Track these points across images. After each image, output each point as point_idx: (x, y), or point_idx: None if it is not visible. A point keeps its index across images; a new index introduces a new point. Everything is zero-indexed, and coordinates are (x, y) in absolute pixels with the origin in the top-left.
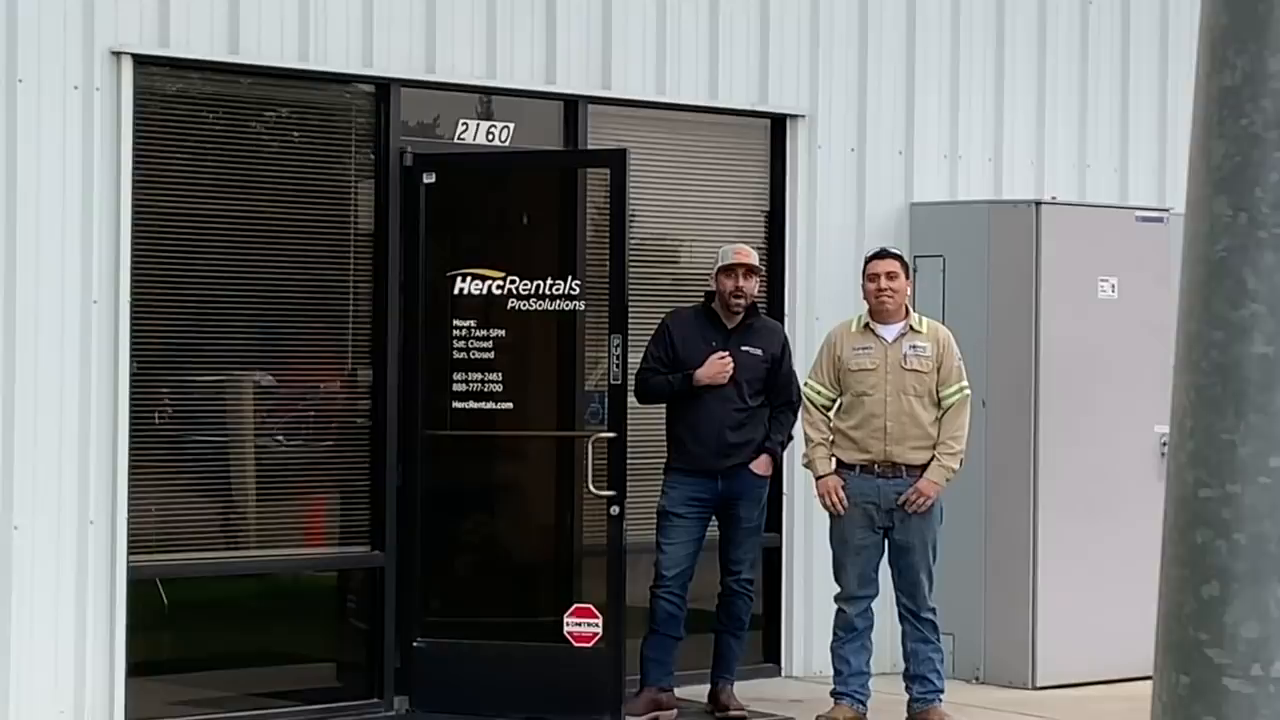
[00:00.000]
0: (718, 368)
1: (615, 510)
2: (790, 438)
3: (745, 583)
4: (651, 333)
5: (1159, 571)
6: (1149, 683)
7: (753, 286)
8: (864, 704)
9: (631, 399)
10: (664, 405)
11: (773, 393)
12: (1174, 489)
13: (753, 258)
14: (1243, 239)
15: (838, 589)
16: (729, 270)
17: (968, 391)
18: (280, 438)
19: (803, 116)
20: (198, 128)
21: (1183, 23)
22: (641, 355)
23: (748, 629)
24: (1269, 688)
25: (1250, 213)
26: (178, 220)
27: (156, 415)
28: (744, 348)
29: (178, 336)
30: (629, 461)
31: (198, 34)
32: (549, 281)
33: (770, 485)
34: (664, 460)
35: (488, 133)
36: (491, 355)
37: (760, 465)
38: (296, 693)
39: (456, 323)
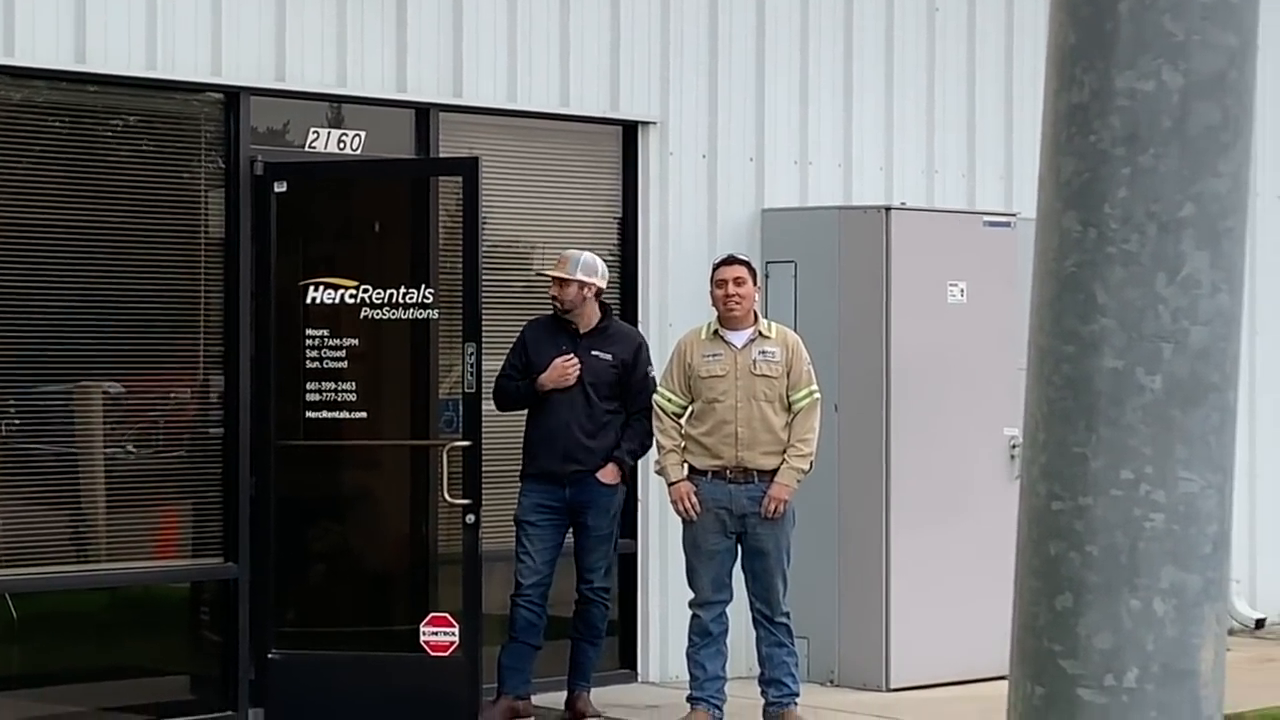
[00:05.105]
0: (560, 370)
1: (471, 519)
2: (645, 445)
3: (599, 590)
4: (505, 340)
5: (1013, 583)
6: (1002, 683)
7: (570, 293)
8: (720, 709)
9: (490, 406)
10: (524, 413)
11: (628, 399)
12: (1027, 502)
13: (563, 268)
14: (1092, 254)
15: (692, 594)
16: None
17: (817, 395)
18: (131, 448)
19: (654, 123)
20: (45, 137)
21: (1025, 30)
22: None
23: (604, 636)
24: (1122, 698)
25: (1099, 228)
26: (24, 229)
27: (3, 426)
28: (594, 352)
29: (24, 347)
30: (485, 469)
31: (43, 42)
32: (402, 290)
33: (626, 492)
34: (520, 468)
35: (339, 141)
36: (345, 364)
37: (607, 474)
38: (150, 706)
39: (309, 332)
